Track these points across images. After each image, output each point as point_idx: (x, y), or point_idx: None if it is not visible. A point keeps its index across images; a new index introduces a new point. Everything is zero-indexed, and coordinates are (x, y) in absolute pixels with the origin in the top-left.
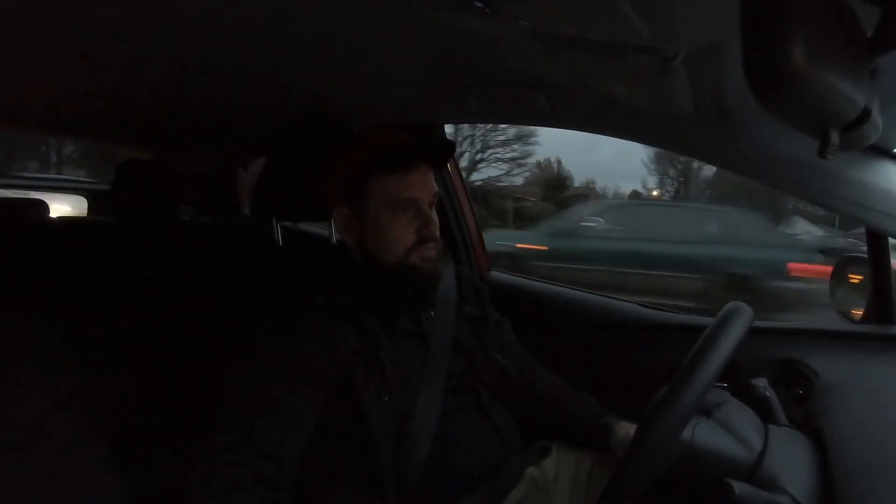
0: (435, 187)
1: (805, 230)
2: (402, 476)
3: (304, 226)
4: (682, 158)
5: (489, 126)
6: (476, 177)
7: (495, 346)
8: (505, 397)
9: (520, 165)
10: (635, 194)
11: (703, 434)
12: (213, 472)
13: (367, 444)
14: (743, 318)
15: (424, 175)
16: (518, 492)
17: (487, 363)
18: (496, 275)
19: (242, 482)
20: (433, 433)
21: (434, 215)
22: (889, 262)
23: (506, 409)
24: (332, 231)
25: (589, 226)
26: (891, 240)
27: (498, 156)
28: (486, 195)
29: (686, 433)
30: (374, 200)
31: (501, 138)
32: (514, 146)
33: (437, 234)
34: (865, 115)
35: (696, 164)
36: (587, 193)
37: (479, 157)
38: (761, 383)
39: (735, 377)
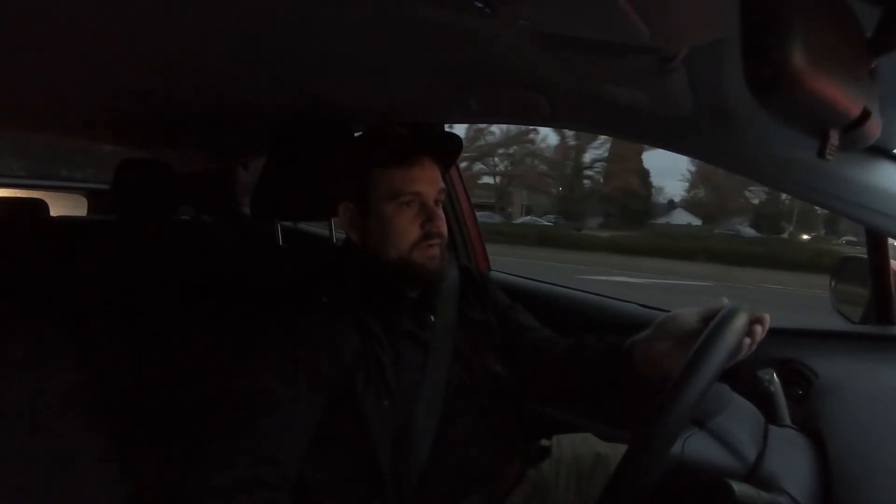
0: (441, 184)
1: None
2: (401, 478)
3: (304, 225)
4: None
5: None
6: None
7: (499, 353)
8: (504, 402)
9: None
10: None
11: (693, 447)
12: (213, 473)
13: (367, 447)
14: (741, 319)
15: (429, 170)
16: (518, 493)
17: (485, 372)
18: (496, 275)
19: (242, 484)
20: (433, 436)
21: (440, 211)
22: (889, 262)
23: (506, 412)
24: (332, 231)
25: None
26: (891, 241)
27: None
28: None
29: (676, 447)
30: (377, 194)
31: None
32: None
33: (443, 230)
34: (865, 115)
35: None
36: None
37: None
38: (766, 376)
39: (736, 377)
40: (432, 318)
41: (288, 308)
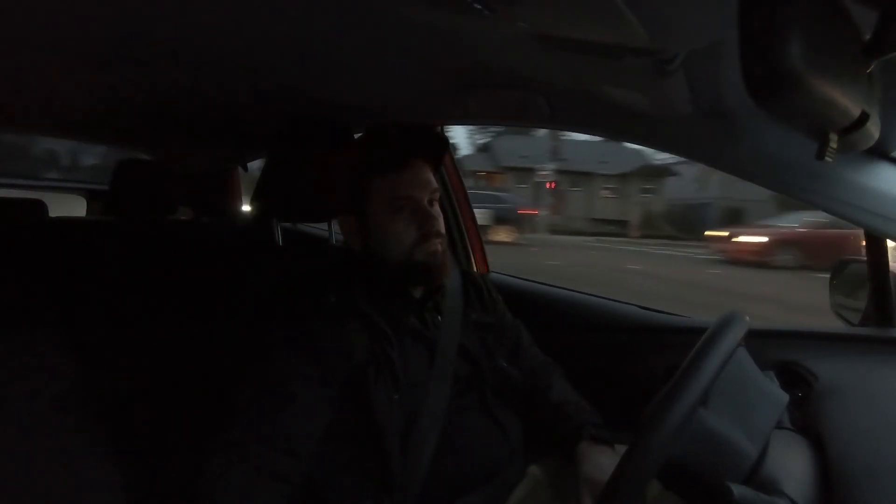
0: (433, 183)
1: None
2: (408, 472)
3: (303, 226)
4: None
5: None
6: None
7: (503, 352)
8: (510, 399)
9: None
10: None
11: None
12: (229, 465)
13: (376, 441)
14: (738, 326)
15: (420, 172)
16: (522, 489)
17: (493, 371)
18: (496, 276)
19: (259, 476)
20: (439, 431)
21: (436, 211)
22: (887, 264)
23: (510, 408)
24: (331, 231)
25: None
26: (890, 243)
27: None
28: None
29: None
30: (372, 202)
31: None
32: None
33: (440, 228)
34: (863, 118)
35: None
36: None
37: None
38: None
39: None
40: (439, 317)
41: (298, 307)
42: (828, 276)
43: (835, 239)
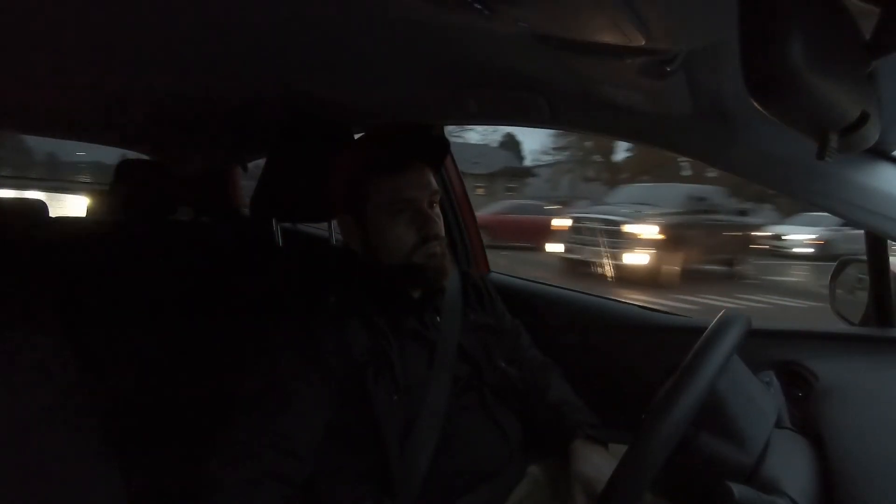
0: (433, 185)
1: None
2: (408, 473)
3: (303, 226)
4: None
5: None
6: None
7: (502, 353)
8: (509, 399)
9: None
10: None
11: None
12: (230, 466)
13: (377, 442)
14: (738, 325)
15: (420, 174)
16: (521, 489)
17: (492, 371)
18: (495, 276)
19: (259, 477)
20: (439, 431)
21: (435, 213)
22: (888, 265)
23: (509, 409)
24: (331, 232)
25: None
26: (890, 243)
27: None
28: None
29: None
30: (372, 204)
31: None
32: None
33: (440, 231)
34: (864, 117)
35: None
36: None
37: None
38: (766, 378)
39: None
40: (438, 318)
41: (298, 308)
42: (513, 252)
43: (514, 224)
